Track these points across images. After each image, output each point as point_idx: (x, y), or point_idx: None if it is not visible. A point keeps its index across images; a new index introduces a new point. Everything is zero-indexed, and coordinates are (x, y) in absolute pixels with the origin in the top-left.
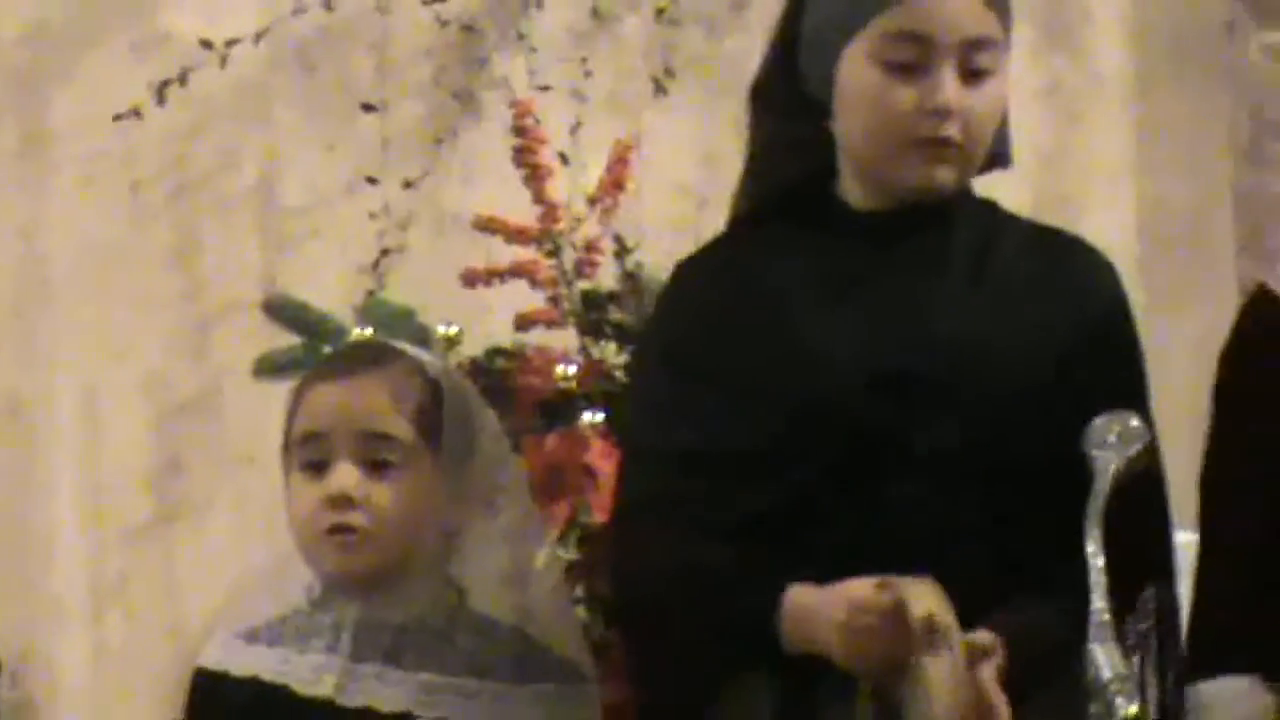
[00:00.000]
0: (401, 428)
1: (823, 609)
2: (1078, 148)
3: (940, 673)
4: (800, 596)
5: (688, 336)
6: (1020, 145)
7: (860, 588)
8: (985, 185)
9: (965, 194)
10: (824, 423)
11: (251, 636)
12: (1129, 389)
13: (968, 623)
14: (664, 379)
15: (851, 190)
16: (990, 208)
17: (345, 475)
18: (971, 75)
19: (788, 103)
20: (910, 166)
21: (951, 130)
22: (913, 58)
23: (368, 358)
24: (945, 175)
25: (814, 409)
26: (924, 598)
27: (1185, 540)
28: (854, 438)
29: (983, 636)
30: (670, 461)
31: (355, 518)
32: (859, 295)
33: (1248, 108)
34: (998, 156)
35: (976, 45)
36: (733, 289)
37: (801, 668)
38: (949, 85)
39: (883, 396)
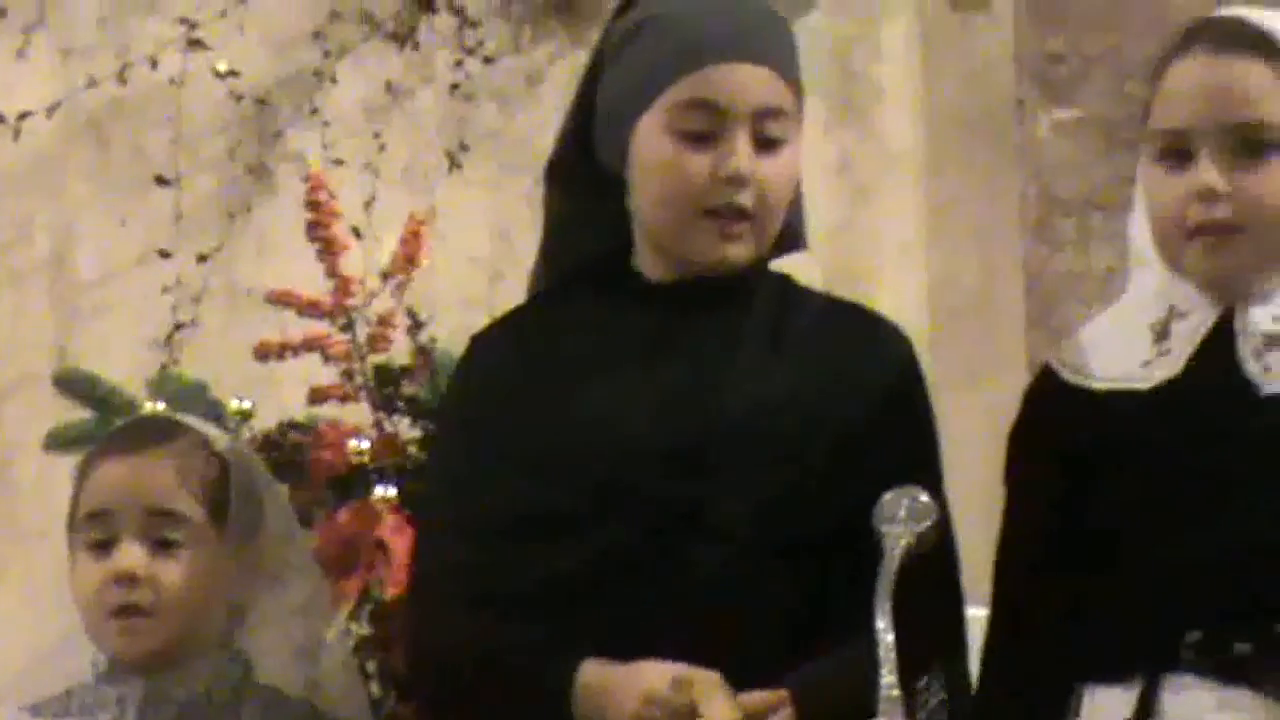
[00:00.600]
0: (188, 505)
1: (616, 693)
2: (869, 223)
3: None
4: (595, 675)
5: (482, 410)
6: (812, 220)
7: (655, 680)
8: (776, 261)
9: (760, 267)
10: (618, 494)
11: (38, 710)
12: (921, 464)
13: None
14: (458, 452)
15: (647, 264)
16: (785, 281)
17: (131, 554)
18: (764, 144)
19: (583, 178)
20: (703, 239)
21: (745, 199)
22: (706, 127)
23: (154, 433)
24: (738, 248)
25: (608, 481)
26: (715, 700)
27: (978, 615)
28: (648, 509)
29: (768, 694)
30: (465, 535)
31: (141, 596)
32: (653, 368)
33: (1037, 185)
34: (794, 238)
35: (769, 114)
36: (527, 362)
37: None
38: (742, 153)
39: (676, 468)
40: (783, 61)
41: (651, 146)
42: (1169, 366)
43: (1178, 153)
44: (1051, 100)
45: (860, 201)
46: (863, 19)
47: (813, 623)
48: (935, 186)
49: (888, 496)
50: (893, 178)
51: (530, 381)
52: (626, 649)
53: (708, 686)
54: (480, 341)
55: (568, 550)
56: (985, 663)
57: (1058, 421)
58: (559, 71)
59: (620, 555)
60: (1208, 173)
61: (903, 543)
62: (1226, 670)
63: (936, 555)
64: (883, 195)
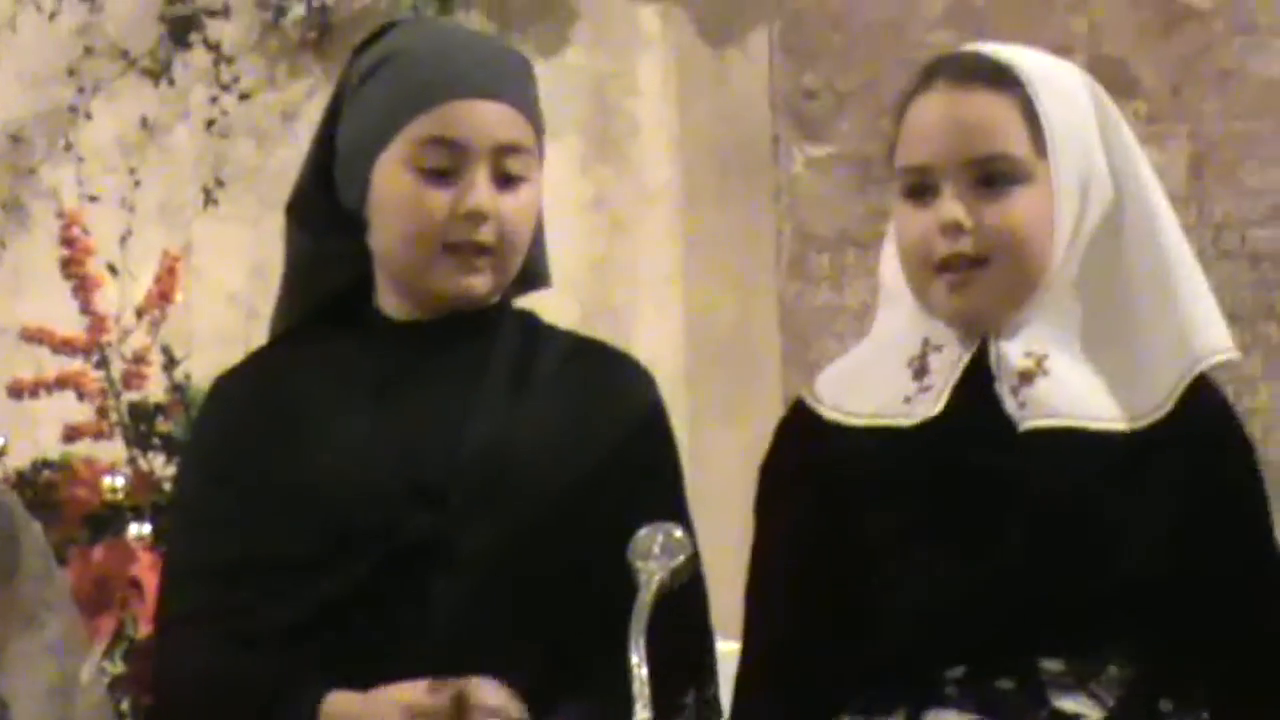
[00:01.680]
0: None
1: (368, 717)
2: (626, 259)
3: None
4: (341, 704)
5: (224, 450)
6: (569, 256)
7: (410, 692)
8: (534, 296)
9: (504, 304)
10: (359, 533)
11: None
12: (670, 500)
13: None
14: (201, 492)
15: (389, 302)
16: (529, 318)
17: None
18: (505, 181)
19: (325, 217)
20: (444, 274)
21: (486, 234)
22: (446, 164)
23: None
24: (479, 283)
25: (348, 519)
26: (481, 687)
27: (729, 649)
28: (390, 547)
29: None
30: (208, 574)
31: None
32: (396, 405)
33: (793, 221)
34: (537, 276)
35: (509, 151)
36: (268, 403)
37: None
38: (482, 189)
39: (417, 506)
40: (523, 99)
41: (392, 183)
42: (930, 404)
43: (923, 188)
44: (806, 137)
45: (617, 237)
46: (619, 55)
47: (556, 659)
48: (692, 222)
49: (643, 532)
50: (649, 213)
51: (271, 421)
52: (370, 685)
53: (473, 680)
54: (223, 382)
55: (309, 589)
56: (738, 698)
57: (812, 455)
58: (315, 108)
59: (362, 593)
60: (951, 207)
61: (657, 578)
62: (989, 706)
63: (687, 589)
64: (639, 231)
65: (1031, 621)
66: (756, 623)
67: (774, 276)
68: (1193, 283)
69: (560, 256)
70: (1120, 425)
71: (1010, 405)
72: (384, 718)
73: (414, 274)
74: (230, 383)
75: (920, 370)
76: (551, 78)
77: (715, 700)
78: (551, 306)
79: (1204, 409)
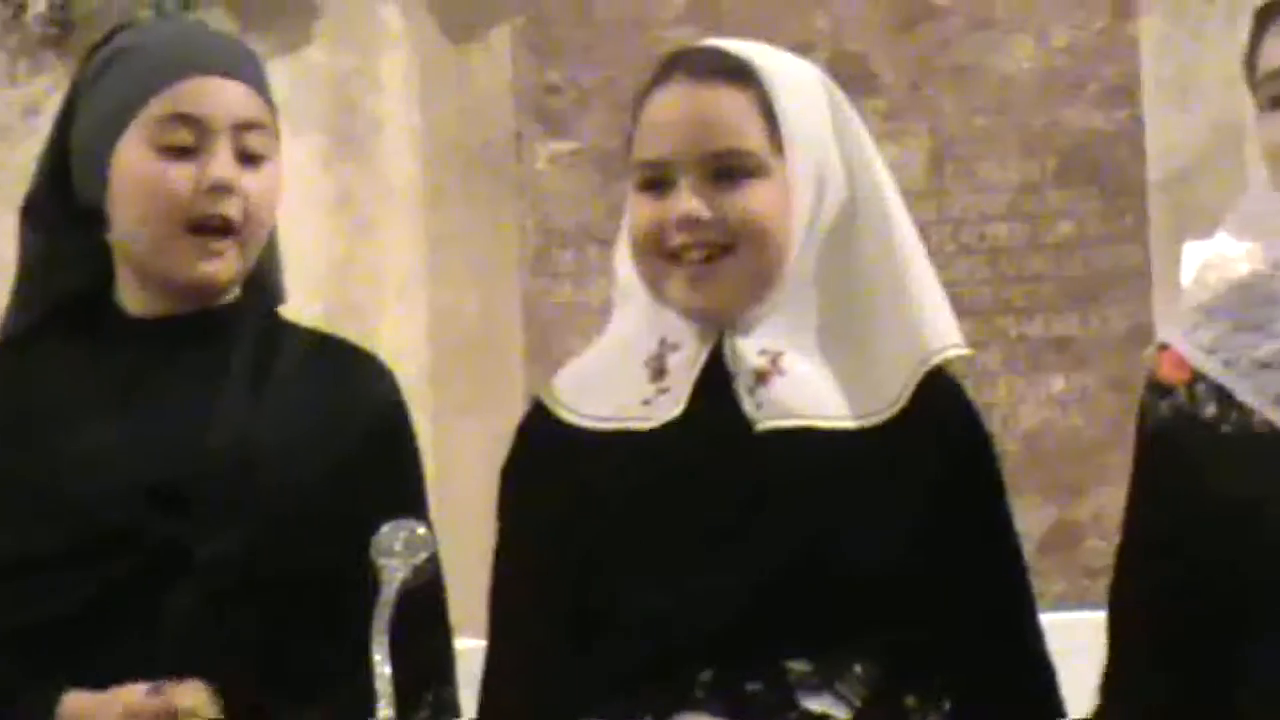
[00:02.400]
0: None
1: (98, 716)
2: (370, 257)
3: None
4: (76, 704)
5: None
6: (312, 256)
7: (132, 694)
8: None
9: (245, 300)
10: (102, 534)
11: None
12: (411, 497)
13: None
14: None
15: (130, 297)
16: (270, 316)
17: None
18: (247, 159)
19: (61, 216)
20: (187, 258)
21: (230, 208)
22: (187, 140)
23: None
24: (223, 266)
25: (92, 521)
26: (188, 698)
27: (470, 648)
28: (132, 548)
29: None
30: None
31: None
32: (136, 405)
33: (536, 217)
34: (274, 290)
35: (250, 128)
36: (7, 404)
37: None
38: (226, 162)
39: (159, 507)
40: (259, 84)
41: (132, 166)
42: (670, 406)
43: (660, 182)
44: (549, 133)
45: (361, 236)
46: (361, 52)
47: (297, 658)
48: (435, 220)
49: (385, 529)
50: (393, 211)
51: (9, 423)
52: (113, 684)
53: (183, 687)
54: None
55: (50, 591)
56: (484, 701)
57: (552, 458)
58: (57, 104)
59: (105, 595)
60: (688, 200)
61: (400, 575)
62: (738, 708)
63: (427, 587)
64: (383, 229)
65: (775, 623)
66: (501, 626)
67: (518, 273)
68: (925, 279)
69: (304, 256)
70: (856, 423)
71: (748, 406)
72: (108, 716)
73: (155, 260)
74: None
75: (658, 371)
76: (293, 75)
77: (453, 700)
78: (295, 306)
79: (940, 403)
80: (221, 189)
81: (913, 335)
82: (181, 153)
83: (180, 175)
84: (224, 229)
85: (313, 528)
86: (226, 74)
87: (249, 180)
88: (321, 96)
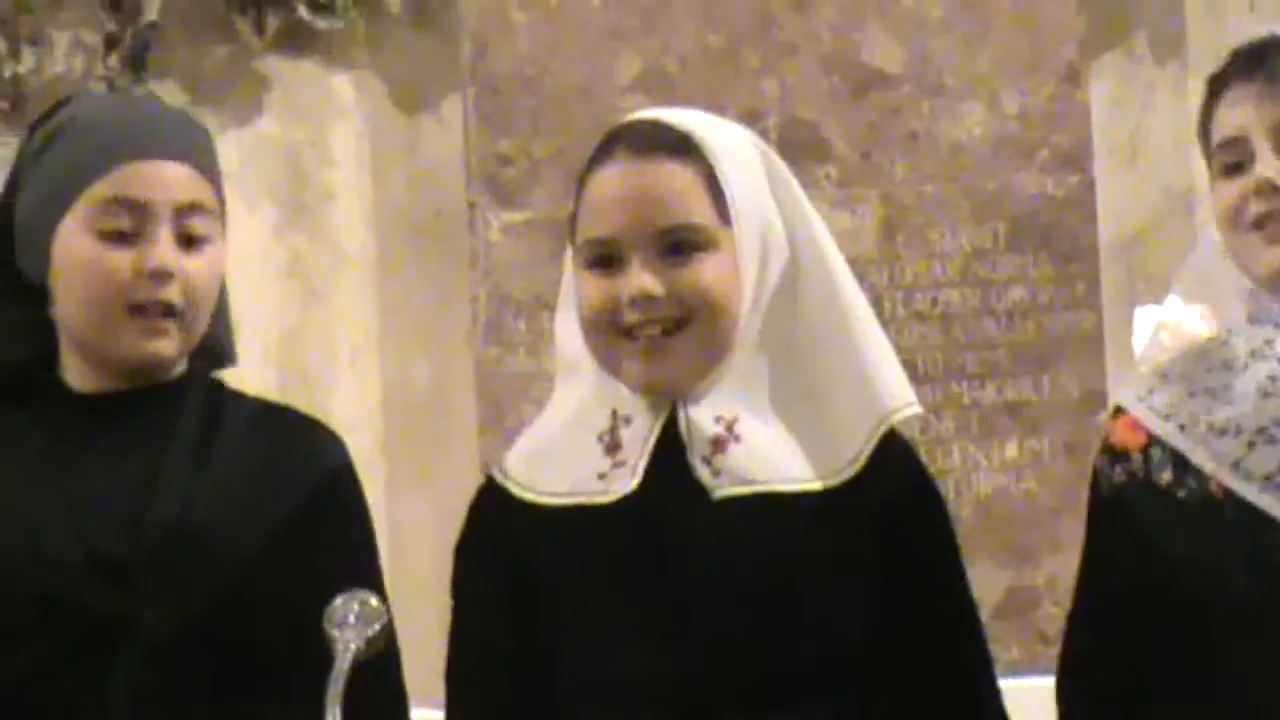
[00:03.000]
0: None
1: None
2: (322, 325)
3: None
4: None
5: None
6: (263, 325)
7: None
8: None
9: (189, 374)
10: (41, 608)
11: None
12: (362, 565)
13: None
14: None
15: (74, 373)
16: (216, 387)
17: None
18: (188, 241)
19: (6, 288)
20: (128, 338)
21: (171, 294)
22: (128, 225)
23: None
24: (164, 345)
25: (29, 596)
26: None
27: (432, 717)
28: (72, 624)
29: None
30: None
31: None
32: (78, 479)
33: (488, 285)
34: (223, 352)
35: (192, 211)
36: None
37: None
38: (165, 248)
39: (99, 581)
40: (204, 162)
41: (73, 248)
42: (626, 479)
43: (608, 259)
44: (501, 203)
45: (313, 304)
46: (312, 123)
47: None
48: (387, 288)
49: (338, 601)
50: (345, 280)
51: None
52: None
53: None
54: None
55: None
56: None
57: (505, 536)
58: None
59: (46, 670)
60: (639, 278)
61: (354, 646)
62: None
63: (381, 657)
64: (335, 297)
65: (736, 690)
66: (456, 703)
67: (470, 342)
68: (874, 339)
69: (255, 325)
70: (814, 485)
71: (704, 474)
72: None
73: (98, 340)
74: None
75: (612, 445)
76: (245, 147)
77: None
78: (247, 376)
79: (894, 466)
80: (161, 276)
81: (867, 394)
82: (121, 237)
83: (120, 262)
84: (166, 312)
85: (259, 598)
86: (170, 157)
87: (190, 262)
88: (273, 167)
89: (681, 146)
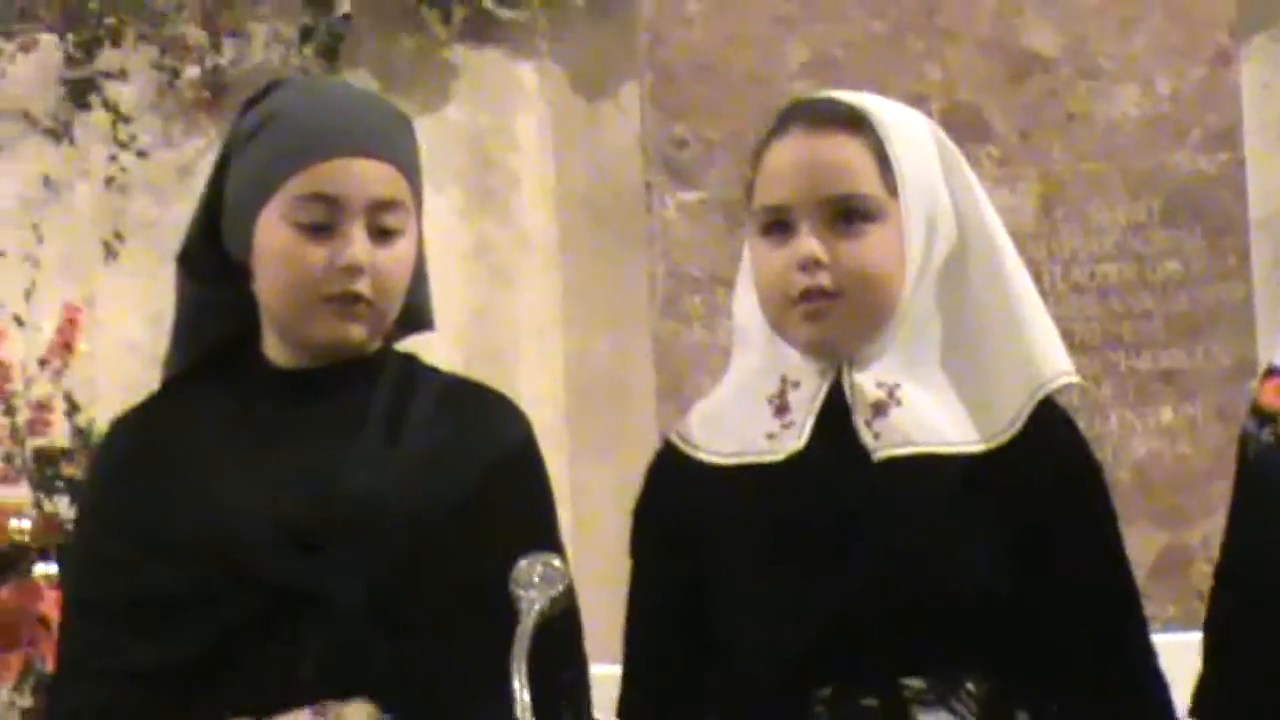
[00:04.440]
0: None
1: None
2: (506, 305)
3: None
4: None
5: (112, 493)
6: (451, 304)
7: (297, 717)
8: (420, 344)
9: (384, 350)
10: (237, 575)
11: None
12: (544, 530)
13: None
14: (92, 533)
15: (273, 349)
16: (409, 362)
17: None
18: (381, 235)
19: (213, 267)
20: (322, 322)
21: (362, 286)
22: (323, 219)
23: None
24: (356, 331)
25: (228, 563)
26: (361, 714)
27: (605, 674)
28: (266, 591)
29: None
30: (98, 613)
31: None
32: (274, 452)
33: (665, 264)
34: (420, 319)
35: (384, 207)
36: (153, 448)
37: None
38: (357, 243)
39: (293, 550)
40: (400, 155)
41: (272, 237)
42: (793, 439)
43: (781, 226)
44: (677, 184)
45: (498, 285)
46: (496, 110)
47: (436, 693)
48: (569, 268)
49: (523, 563)
50: (528, 261)
51: (158, 468)
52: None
53: (348, 706)
54: (115, 427)
55: (193, 630)
56: (624, 716)
57: (680, 496)
58: (210, 164)
59: (240, 634)
60: (808, 243)
61: (538, 606)
62: None
63: (563, 617)
64: (519, 278)
65: (891, 642)
66: (634, 656)
67: (648, 317)
68: (1036, 312)
69: (443, 305)
70: (971, 448)
71: (866, 437)
72: None
73: (294, 323)
74: (122, 429)
75: (781, 407)
76: (433, 133)
77: None
78: (436, 354)
79: (1052, 433)
80: (352, 271)
81: (1026, 365)
82: (317, 230)
83: (315, 255)
84: (357, 299)
85: (444, 568)
86: (366, 154)
87: (381, 256)
88: (459, 153)
89: (854, 121)
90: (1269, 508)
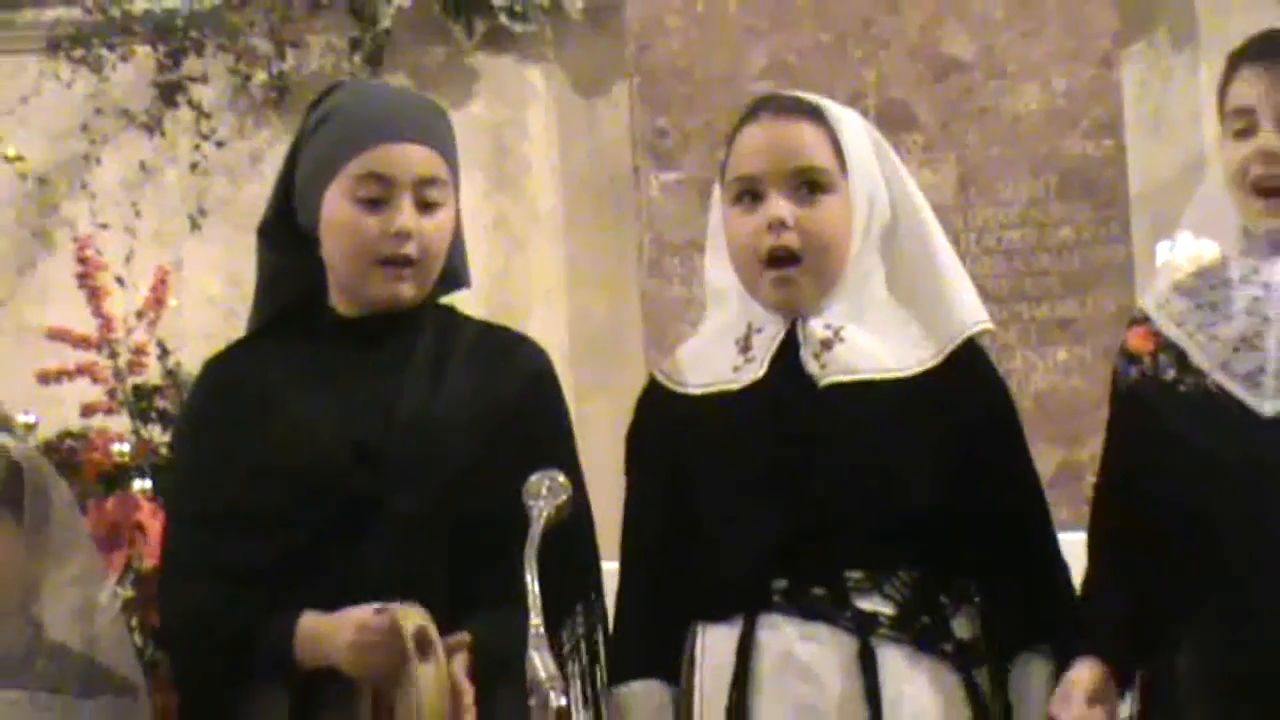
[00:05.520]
0: None
1: (333, 632)
2: (520, 270)
3: (429, 675)
4: (311, 623)
5: (207, 420)
6: (475, 269)
7: (362, 613)
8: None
9: (428, 303)
10: (314, 488)
11: None
12: (558, 451)
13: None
14: (191, 455)
15: (338, 303)
16: (449, 312)
17: None
18: (425, 207)
19: (287, 236)
20: (378, 282)
21: (410, 249)
22: (377, 194)
23: None
24: (406, 288)
25: (305, 478)
26: (412, 616)
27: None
28: (338, 501)
29: (457, 636)
30: (198, 521)
31: None
32: (342, 386)
33: (651, 232)
34: (458, 278)
35: (428, 183)
36: (244, 385)
37: (314, 679)
38: (406, 213)
39: (359, 465)
40: (440, 142)
41: (335, 210)
42: (753, 370)
43: (751, 195)
44: (660, 166)
45: (513, 252)
46: (511, 107)
47: (471, 581)
48: (571, 238)
49: (534, 477)
50: (538, 232)
51: (245, 400)
52: (329, 609)
53: (405, 607)
54: (209, 366)
55: (277, 534)
56: (618, 613)
57: (663, 421)
58: (276, 152)
59: (316, 538)
60: (776, 205)
61: (545, 514)
62: (807, 610)
63: (575, 520)
64: (530, 246)
65: (835, 542)
66: (630, 556)
67: (637, 278)
68: (955, 271)
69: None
70: (903, 373)
71: (813, 367)
72: (342, 631)
73: (354, 283)
74: (215, 367)
75: (745, 346)
76: (458, 126)
77: (602, 609)
78: (463, 309)
79: (972, 365)
80: (402, 235)
81: (949, 312)
82: (373, 204)
83: (371, 223)
84: (405, 262)
85: (481, 479)
86: (411, 139)
87: (426, 224)
88: (481, 143)
89: (813, 112)
90: (1135, 428)
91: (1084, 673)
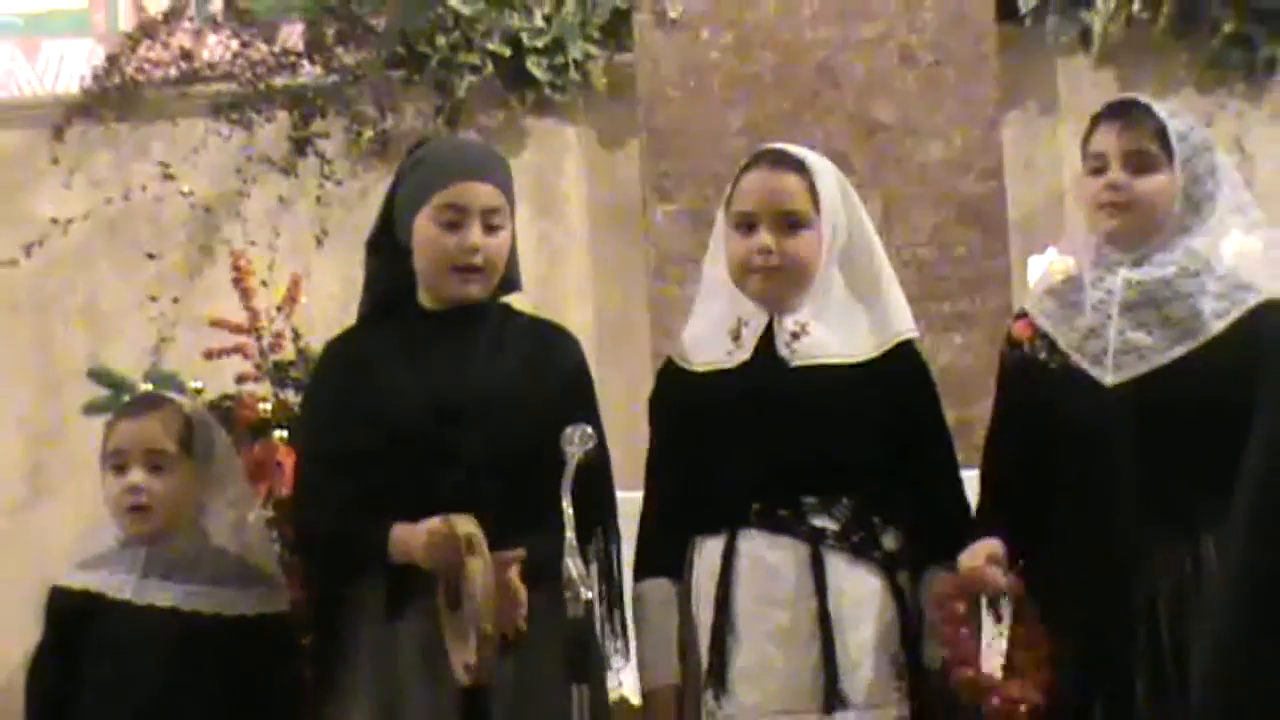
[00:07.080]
0: (170, 445)
1: (412, 537)
2: (558, 279)
3: (475, 566)
4: (401, 530)
5: (327, 385)
6: (524, 275)
7: (431, 521)
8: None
9: (490, 302)
10: (404, 438)
11: (84, 565)
12: (588, 411)
13: (499, 548)
14: (315, 412)
15: (424, 299)
16: (506, 308)
17: (137, 475)
18: (489, 229)
19: (388, 249)
20: (453, 284)
21: (478, 260)
22: (454, 219)
23: (148, 403)
24: (474, 289)
25: (398, 429)
26: (464, 524)
27: (629, 497)
28: (421, 447)
29: (513, 551)
30: (322, 459)
31: (143, 499)
32: (425, 361)
33: (656, 249)
34: (513, 282)
35: (492, 212)
36: (354, 359)
37: (403, 571)
38: (476, 234)
39: (438, 422)
40: (501, 181)
41: (423, 230)
42: (741, 355)
43: (747, 225)
44: (663, 200)
45: (554, 264)
46: (552, 155)
47: (520, 509)
48: (597, 254)
49: (567, 430)
50: (572, 250)
51: (355, 370)
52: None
53: (460, 517)
54: (329, 346)
55: (380, 468)
56: (641, 532)
57: (675, 390)
58: (379, 189)
59: (406, 471)
60: (764, 238)
61: (576, 457)
62: (774, 526)
63: (597, 466)
64: (565, 260)
65: (798, 477)
66: (650, 488)
67: (646, 283)
68: (892, 285)
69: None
70: (852, 359)
71: (784, 353)
72: (418, 535)
73: (436, 284)
74: (334, 346)
75: (736, 336)
76: (514, 170)
77: (616, 530)
78: (517, 306)
79: (904, 359)
80: (472, 251)
81: (885, 318)
82: (451, 226)
83: (449, 241)
84: (474, 269)
85: (530, 432)
86: (480, 179)
87: (490, 241)
88: (530, 182)
89: (798, 165)
90: (1017, 394)
91: (986, 541)
